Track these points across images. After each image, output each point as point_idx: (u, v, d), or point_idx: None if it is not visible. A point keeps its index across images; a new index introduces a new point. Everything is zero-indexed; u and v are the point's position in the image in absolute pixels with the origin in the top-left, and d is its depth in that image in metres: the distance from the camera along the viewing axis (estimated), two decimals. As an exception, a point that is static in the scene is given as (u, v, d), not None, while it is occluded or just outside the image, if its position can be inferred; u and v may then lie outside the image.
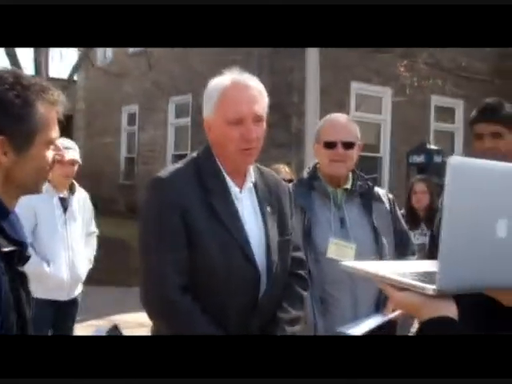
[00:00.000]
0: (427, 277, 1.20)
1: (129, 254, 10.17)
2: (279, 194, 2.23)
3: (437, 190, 5.16)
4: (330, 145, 2.70)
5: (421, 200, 5.09)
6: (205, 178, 2.08)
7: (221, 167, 2.11)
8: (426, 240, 4.86)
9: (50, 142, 1.51)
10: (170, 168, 2.13)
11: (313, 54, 7.08)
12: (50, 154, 1.51)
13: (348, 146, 2.71)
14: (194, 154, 2.19)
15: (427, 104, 12.29)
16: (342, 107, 10.59)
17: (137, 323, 6.53)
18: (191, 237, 1.98)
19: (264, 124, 2.10)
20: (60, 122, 1.55)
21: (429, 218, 5.02)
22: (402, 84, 9.43)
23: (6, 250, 1.40)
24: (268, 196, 2.18)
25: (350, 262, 1.43)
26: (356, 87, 11.72)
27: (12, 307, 1.39)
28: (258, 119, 2.06)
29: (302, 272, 2.27)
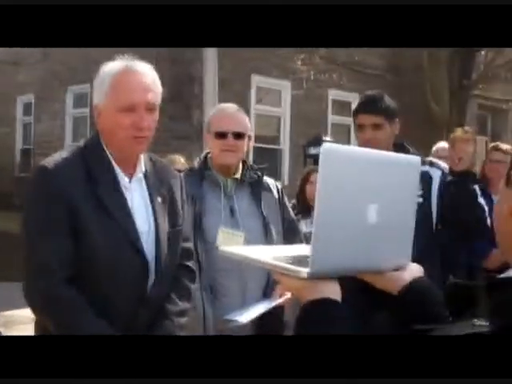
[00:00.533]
0: (302, 260, 1.21)
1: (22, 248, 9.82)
2: (171, 184, 2.21)
3: None
4: (220, 135, 2.74)
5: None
6: (92, 166, 2.02)
7: (109, 156, 2.06)
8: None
9: None
10: (55, 156, 2.05)
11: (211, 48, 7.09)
12: None
13: (238, 136, 2.75)
14: (81, 143, 2.13)
15: (324, 98, 12.63)
16: (243, 100, 10.69)
17: (30, 319, 6.34)
18: (77, 227, 1.93)
19: (157, 113, 2.07)
20: None
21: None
22: (300, 78, 9.63)
23: None
24: (159, 186, 2.15)
25: (229, 248, 1.43)
26: (257, 80, 11.85)
27: None
28: (150, 107, 2.02)
29: (190, 263, 2.27)
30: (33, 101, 15.98)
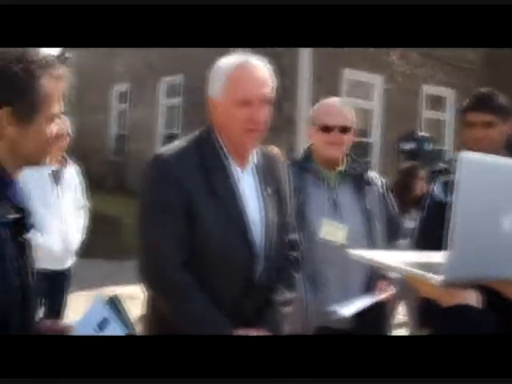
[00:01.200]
0: (433, 267, 1.24)
1: (117, 229, 10.17)
2: (279, 176, 2.24)
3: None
4: (326, 128, 2.73)
5: (424, 187, 4.89)
6: (206, 156, 2.07)
7: (223, 147, 2.11)
8: (415, 225, 4.85)
9: (54, 116, 1.52)
10: (171, 145, 2.12)
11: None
12: (53, 128, 1.52)
13: (344, 130, 2.74)
14: (196, 133, 2.18)
15: (418, 92, 12.32)
16: (334, 93, 10.61)
17: (127, 296, 6.60)
18: (190, 214, 1.99)
19: (271, 107, 2.09)
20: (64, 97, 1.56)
21: (419, 203, 4.99)
22: (394, 72, 9.44)
23: (11, 217, 1.42)
24: (268, 177, 2.18)
25: (358, 251, 1.45)
26: (348, 73, 11.72)
27: (16, 274, 1.42)
28: (265, 101, 2.05)
29: (295, 254, 2.30)
30: (128, 89, 16.51)
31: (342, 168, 2.80)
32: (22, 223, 1.48)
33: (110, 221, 9.99)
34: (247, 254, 2.05)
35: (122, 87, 16.77)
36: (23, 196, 1.54)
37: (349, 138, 2.77)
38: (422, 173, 5.06)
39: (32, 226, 1.55)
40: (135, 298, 6.77)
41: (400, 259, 1.32)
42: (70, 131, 3.87)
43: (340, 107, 2.81)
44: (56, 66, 1.52)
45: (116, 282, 7.08)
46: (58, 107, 1.53)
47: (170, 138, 14.62)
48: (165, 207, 2.00)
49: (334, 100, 2.89)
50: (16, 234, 1.45)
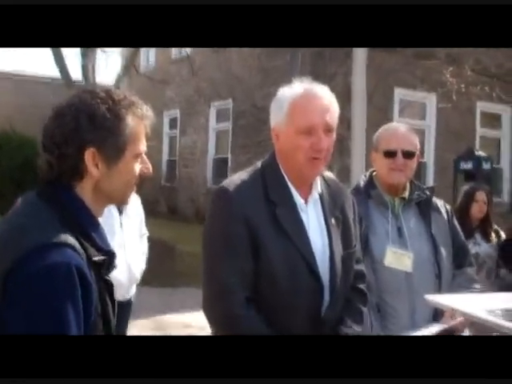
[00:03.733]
0: None
1: (171, 255, 10.25)
2: (344, 206, 2.20)
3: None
4: (390, 153, 2.68)
5: (483, 209, 4.86)
6: (270, 188, 2.05)
7: (286, 177, 2.09)
8: (479, 250, 4.74)
9: (138, 155, 1.54)
10: (234, 178, 2.11)
11: (359, 59, 7.05)
12: (137, 167, 1.55)
13: (408, 155, 2.69)
14: (259, 164, 2.16)
15: (472, 110, 12.09)
16: (386, 113, 10.51)
17: (182, 324, 6.59)
18: (256, 248, 1.97)
19: (334, 135, 2.07)
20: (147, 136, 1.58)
21: (483, 227, 4.88)
22: (449, 90, 9.28)
23: (96, 259, 1.42)
24: (333, 207, 2.15)
25: (433, 296, 1.39)
26: (400, 93, 11.61)
27: (100, 315, 1.42)
28: (328, 129, 2.03)
29: (362, 286, 2.25)
30: (178, 115, 16.79)
31: (405, 194, 2.74)
32: (107, 264, 1.49)
33: (163, 246, 10.08)
34: (313, 286, 2.01)
35: (172, 113, 17.06)
36: (106, 237, 1.54)
37: (412, 164, 2.71)
38: (481, 194, 4.93)
39: (115, 267, 1.55)
40: (190, 327, 6.81)
41: (482, 305, 1.24)
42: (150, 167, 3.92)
43: (403, 132, 2.75)
44: (139, 105, 1.54)
45: (170, 310, 7.10)
46: (142, 146, 1.55)
47: (220, 161, 14.77)
48: (230, 241, 1.98)
49: (397, 125, 2.85)
50: (100, 274, 1.45)
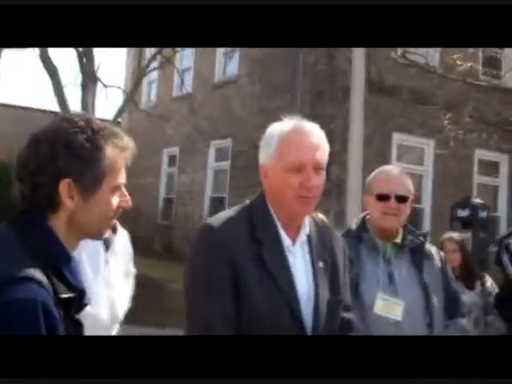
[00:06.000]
0: None
1: (163, 294, 10.11)
2: (334, 250, 2.13)
3: (468, 247, 5.00)
4: (383, 197, 2.63)
5: (453, 259, 4.83)
6: (257, 227, 1.99)
7: (274, 217, 2.02)
8: (464, 299, 4.71)
9: (117, 188, 1.48)
10: (221, 215, 2.04)
11: (356, 102, 7.07)
12: (115, 200, 1.48)
13: (402, 199, 2.63)
14: (247, 202, 2.10)
15: (470, 157, 12.13)
16: (384, 157, 10.51)
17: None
18: (239, 287, 1.90)
19: (324, 173, 2.01)
20: (127, 167, 1.52)
21: (464, 276, 4.86)
22: (447, 136, 9.32)
23: (64, 296, 1.35)
24: (321, 250, 2.07)
25: None
26: (398, 138, 11.65)
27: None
28: (318, 167, 1.97)
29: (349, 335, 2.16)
30: (177, 153, 16.83)
31: (398, 239, 2.67)
32: (77, 302, 1.41)
33: (156, 285, 9.97)
34: (295, 332, 1.93)
35: (172, 151, 17.11)
36: (79, 273, 1.47)
37: (406, 208, 2.65)
38: (451, 244, 5.01)
39: (86, 305, 1.47)
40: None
41: None
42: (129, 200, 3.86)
43: (397, 175, 2.71)
44: (120, 136, 1.48)
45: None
46: (121, 178, 1.48)
47: (218, 200, 14.73)
48: (213, 282, 1.91)
49: (390, 168, 2.80)
50: (69, 312, 1.38)
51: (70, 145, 1.39)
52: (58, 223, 1.42)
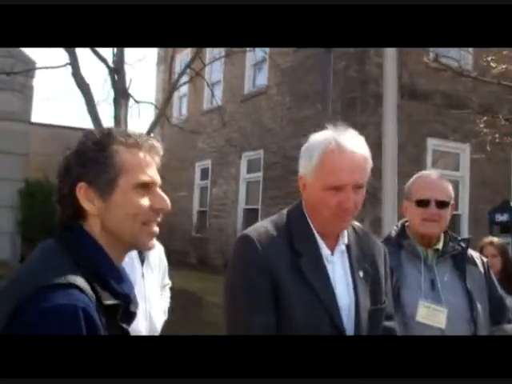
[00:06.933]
0: None
1: (199, 306, 10.11)
2: (374, 258, 2.07)
3: (508, 251, 4.87)
4: (422, 203, 2.58)
5: (492, 265, 4.75)
6: (295, 238, 1.95)
7: (312, 228, 1.99)
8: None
9: (139, 186, 1.45)
10: (258, 226, 2.01)
11: (390, 109, 6.99)
12: (141, 200, 1.45)
13: (442, 204, 2.58)
14: (284, 212, 2.06)
15: (507, 161, 11.89)
16: (418, 163, 10.38)
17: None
18: (278, 300, 1.87)
19: (364, 190, 1.95)
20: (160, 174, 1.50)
21: (505, 281, 4.74)
22: (483, 140, 9.14)
23: (108, 303, 1.35)
24: (362, 259, 2.03)
25: None
26: (432, 143, 11.49)
27: None
28: (358, 186, 1.92)
29: None
30: (210, 166, 16.90)
31: (439, 246, 2.61)
32: (123, 309, 1.40)
33: (192, 298, 9.98)
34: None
35: (204, 164, 17.19)
36: (126, 280, 1.47)
37: (446, 214, 2.60)
38: (488, 249, 4.88)
39: (135, 314, 1.46)
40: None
41: None
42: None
43: (437, 180, 2.65)
44: (130, 135, 1.48)
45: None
46: (143, 176, 1.45)
47: (251, 212, 14.72)
48: (252, 293, 1.89)
49: (430, 173, 2.75)
50: (113, 322, 1.37)
51: (79, 151, 1.44)
52: (94, 232, 1.43)
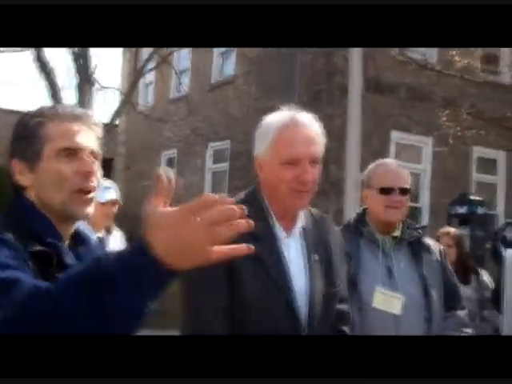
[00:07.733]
0: None
1: (161, 297, 10.07)
2: (329, 241, 2.10)
3: (464, 243, 4.99)
4: (386, 190, 2.61)
5: (447, 255, 4.87)
6: (250, 218, 1.97)
7: (269, 209, 2.01)
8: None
9: (61, 152, 1.45)
10: None
11: (354, 101, 7.06)
12: (67, 166, 1.45)
13: (404, 191, 2.62)
14: (242, 195, 2.08)
15: (468, 155, 12.10)
16: (382, 156, 10.47)
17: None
18: (232, 281, 1.89)
19: (320, 166, 1.99)
20: (99, 139, 1.54)
21: (459, 271, 4.86)
22: (445, 134, 9.29)
23: (33, 249, 1.36)
24: (317, 242, 2.05)
25: None
26: (396, 136, 11.63)
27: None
28: (314, 161, 1.95)
29: (345, 328, 2.15)
30: (175, 156, 16.79)
31: (397, 233, 2.65)
32: (55, 260, 1.41)
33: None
34: (291, 324, 1.92)
35: (170, 153, 17.07)
36: (55, 233, 1.47)
37: (407, 201, 2.65)
38: (444, 239, 4.98)
39: (70, 267, 1.44)
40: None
41: None
42: (119, 198, 3.83)
43: (398, 169, 2.70)
44: (55, 107, 1.55)
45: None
46: (66, 141, 1.46)
47: (216, 202, 14.68)
48: (206, 274, 1.88)
49: (390, 161, 2.80)
50: (45, 271, 1.36)
51: (13, 131, 1.53)
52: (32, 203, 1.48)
